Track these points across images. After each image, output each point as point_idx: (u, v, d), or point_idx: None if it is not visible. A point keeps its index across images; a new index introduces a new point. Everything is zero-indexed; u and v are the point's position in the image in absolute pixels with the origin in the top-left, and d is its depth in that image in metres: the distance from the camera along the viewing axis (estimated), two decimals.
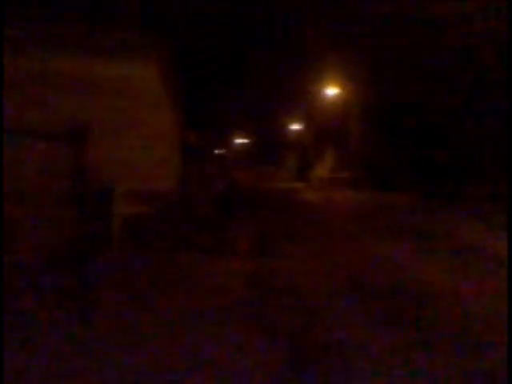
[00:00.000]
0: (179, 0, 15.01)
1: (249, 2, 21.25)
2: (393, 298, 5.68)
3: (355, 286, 6.18)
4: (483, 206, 13.97)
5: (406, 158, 23.81)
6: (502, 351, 4.06)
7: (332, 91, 31.51)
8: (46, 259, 5.67)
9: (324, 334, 4.53)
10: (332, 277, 6.72)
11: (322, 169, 37.64)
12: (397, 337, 4.45)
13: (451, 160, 20.75)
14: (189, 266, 7.15)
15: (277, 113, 43.45)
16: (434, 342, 4.31)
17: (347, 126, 30.63)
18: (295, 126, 45.40)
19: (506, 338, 4.33)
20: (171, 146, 13.03)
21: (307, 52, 27.78)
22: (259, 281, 6.44)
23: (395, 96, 23.95)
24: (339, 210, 17.13)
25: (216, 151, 57.20)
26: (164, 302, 5.34)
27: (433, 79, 21.02)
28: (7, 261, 5.32)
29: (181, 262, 7.39)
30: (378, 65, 23.95)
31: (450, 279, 6.57)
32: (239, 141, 57.01)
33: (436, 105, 21.49)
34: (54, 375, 3.63)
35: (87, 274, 5.99)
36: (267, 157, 53.37)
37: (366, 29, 22.72)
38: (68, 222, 5.77)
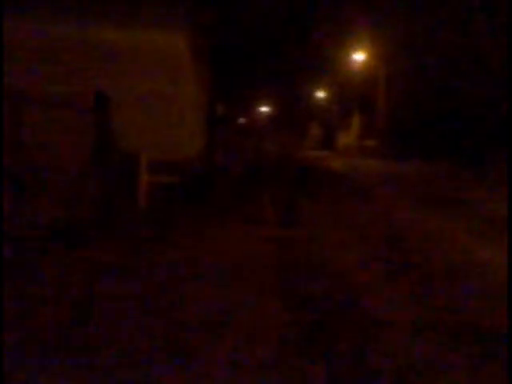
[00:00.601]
0: None
1: None
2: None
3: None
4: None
5: (433, 128, 23.38)
6: None
7: (359, 57, 30.94)
8: (69, 221, 5.69)
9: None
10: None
11: (348, 137, 37.24)
12: None
13: (478, 131, 20.33)
14: (216, 234, 7.04)
15: (302, 80, 42.94)
16: None
17: (374, 93, 30.08)
18: (321, 94, 44.86)
19: None
20: (197, 116, 12.93)
21: (333, 17, 27.26)
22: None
23: (425, 66, 23.45)
24: (366, 179, 16.95)
25: (242, 120, 57.05)
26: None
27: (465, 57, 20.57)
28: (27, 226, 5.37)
29: (209, 230, 7.26)
30: (410, 30, 23.42)
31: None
32: (264, 109, 56.68)
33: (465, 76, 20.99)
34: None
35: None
36: (292, 125, 52.98)
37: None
38: (91, 188, 5.78)
